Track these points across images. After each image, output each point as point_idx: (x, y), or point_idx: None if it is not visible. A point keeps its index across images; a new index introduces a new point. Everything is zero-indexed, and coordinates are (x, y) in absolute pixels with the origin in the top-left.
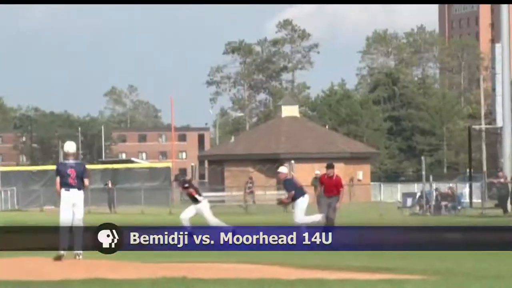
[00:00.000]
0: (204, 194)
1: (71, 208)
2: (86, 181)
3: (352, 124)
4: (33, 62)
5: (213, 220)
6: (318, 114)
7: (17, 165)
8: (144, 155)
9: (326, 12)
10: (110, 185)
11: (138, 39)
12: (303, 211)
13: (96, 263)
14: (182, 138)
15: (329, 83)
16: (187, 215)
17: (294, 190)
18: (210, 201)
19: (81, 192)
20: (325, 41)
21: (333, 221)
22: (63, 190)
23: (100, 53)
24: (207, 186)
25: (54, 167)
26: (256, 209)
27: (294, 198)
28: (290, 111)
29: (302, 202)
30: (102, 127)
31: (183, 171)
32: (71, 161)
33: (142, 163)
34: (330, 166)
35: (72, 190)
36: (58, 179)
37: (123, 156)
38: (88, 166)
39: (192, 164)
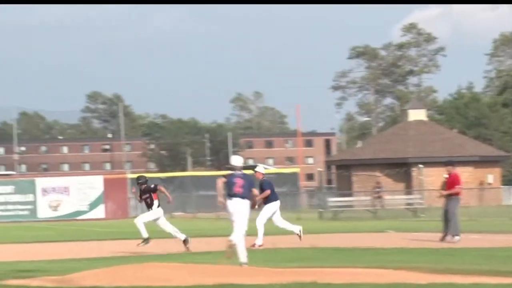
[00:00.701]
0: (332, 199)
1: (235, 213)
2: (255, 191)
3: (481, 127)
4: (160, 69)
5: (140, 221)
6: (445, 118)
7: (146, 172)
8: (271, 160)
9: (452, 15)
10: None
11: (263, 46)
12: (268, 216)
13: (227, 269)
14: (309, 143)
15: (456, 86)
16: (143, 219)
17: (271, 190)
18: (339, 206)
19: (246, 201)
20: (451, 44)
21: (451, 223)
22: (228, 199)
23: (226, 60)
24: (335, 191)
25: (183, 173)
26: (384, 214)
27: (267, 201)
28: (417, 115)
29: (272, 206)
30: (229, 134)
31: (309, 176)
32: (238, 172)
33: (269, 168)
34: (447, 163)
35: (235, 199)
36: (220, 181)
37: (251, 162)
38: (217, 173)
39: (319, 169)
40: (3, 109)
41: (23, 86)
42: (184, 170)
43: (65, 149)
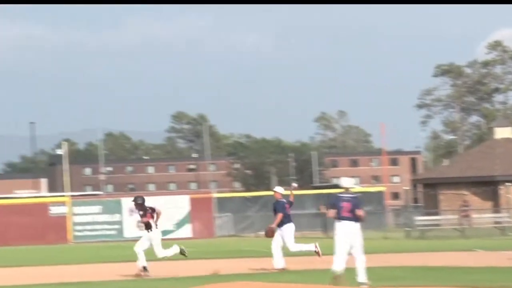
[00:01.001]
0: (419, 217)
1: (345, 238)
2: (359, 212)
3: None
4: (244, 90)
5: (161, 252)
6: None
7: (231, 191)
8: (356, 179)
9: None
10: (323, 209)
11: (347, 65)
12: (293, 237)
13: None
14: (394, 162)
15: None
16: (141, 247)
17: (283, 213)
18: (426, 225)
19: (356, 224)
20: None
21: None
22: (336, 222)
23: (310, 79)
24: (421, 209)
25: (267, 192)
26: (472, 232)
27: (279, 224)
28: (504, 132)
29: (285, 229)
30: (313, 153)
31: (395, 195)
32: (346, 194)
33: (355, 187)
34: None
35: (344, 222)
36: (330, 211)
37: (335, 181)
38: (302, 192)
39: (405, 187)
40: (89, 131)
41: (109, 107)
42: (268, 189)
43: (150, 169)
